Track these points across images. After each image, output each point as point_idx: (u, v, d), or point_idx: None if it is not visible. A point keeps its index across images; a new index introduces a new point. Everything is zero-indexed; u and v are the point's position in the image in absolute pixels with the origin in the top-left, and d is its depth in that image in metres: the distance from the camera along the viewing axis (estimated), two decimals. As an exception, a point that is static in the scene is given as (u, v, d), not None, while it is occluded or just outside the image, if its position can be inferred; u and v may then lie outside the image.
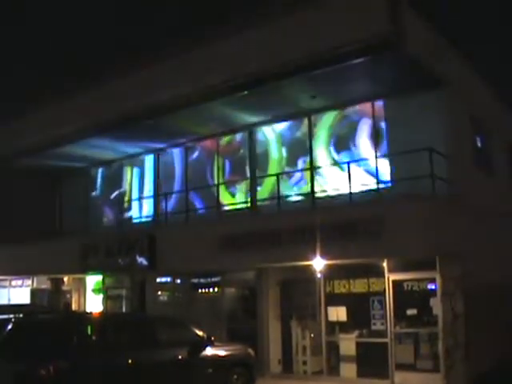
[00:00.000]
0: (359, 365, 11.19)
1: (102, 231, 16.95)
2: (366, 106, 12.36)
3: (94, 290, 16.90)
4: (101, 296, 16.45)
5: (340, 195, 12.01)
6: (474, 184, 11.88)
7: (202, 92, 11.90)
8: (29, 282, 18.21)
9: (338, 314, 11.57)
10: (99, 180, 18.30)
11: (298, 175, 13.35)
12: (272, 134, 13.97)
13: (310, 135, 13.23)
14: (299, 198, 13.08)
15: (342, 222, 10.40)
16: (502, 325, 12.14)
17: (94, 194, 18.32)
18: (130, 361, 8.29)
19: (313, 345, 11.88)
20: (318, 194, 12.63)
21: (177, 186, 15.86)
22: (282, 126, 13.77)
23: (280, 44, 10.72)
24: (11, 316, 10.47)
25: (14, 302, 17.72)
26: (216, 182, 14.80)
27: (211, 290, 13.84)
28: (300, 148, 13.42)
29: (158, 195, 16.12)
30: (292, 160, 13.58)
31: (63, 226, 18.35)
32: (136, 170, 17.17)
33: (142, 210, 16.78)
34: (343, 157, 12.70)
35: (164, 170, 16.26)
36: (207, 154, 15.27)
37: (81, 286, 17.14)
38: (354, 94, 11.96)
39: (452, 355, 10.14)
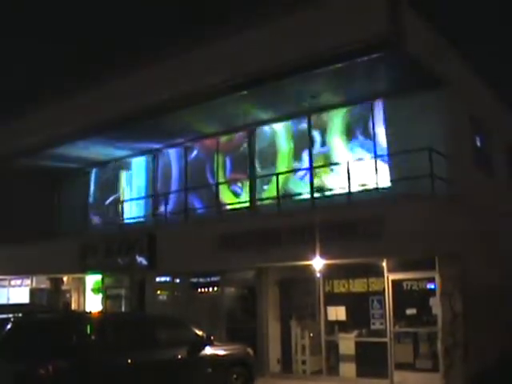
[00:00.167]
0: (358, 364, 11.20)
1: (102, 231, 16.94)
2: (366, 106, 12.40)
3: (93, 290, 16.89)
4: (100, 296, 16.44)
5: (339, 195, 12.01)
6: (473, 184, 11.89)
7: (202, 92, 11.89)
8: (28, 281, 18.20)
9: (338, 313, 11.58)
10: (98, 180, 18.29)
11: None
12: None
13: (310, 135, 13.24)
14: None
15: (342, 221, 10.41)
16: (501, 324, 12.15)
17: (93, 194, 18.32)
18: (129, 360, 8.28)
19: (312, 344, 11.89)
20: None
21: (177, 185, 15.85)
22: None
23: (280, 44, 10.73)
24: (10, 316, 10.47)
25: (13, 301, 17.71)
26: (217, 181, 14.80)
27: (211, 289, 13.85)
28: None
29: (157, 195, 16.12)
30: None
31: (62, 226, 18.33)
32: (135, 170, 17.17)
33: (141, 210, 16.78)
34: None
35: (163, 170, 16.26)
36: (207, 152, 15.26)
37: (80, 285, 17.14)
38: (353, 93, 11.96)
39: (451, 355, 10.15)
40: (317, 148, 13.17)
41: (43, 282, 17.88)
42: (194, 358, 9.17)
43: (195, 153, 15.54)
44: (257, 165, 14.13)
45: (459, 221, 10.66)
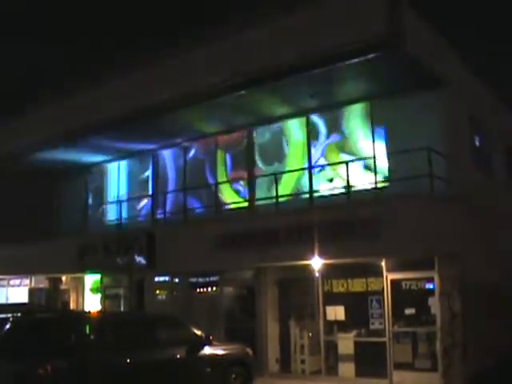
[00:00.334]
0: (357, 364, 11.20)
1: (101, 230, 16.93)
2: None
3: (92, 289, 16.88)
4: (99, 295, 16.43)
5: (338, 194, 12.01)
6: (472, 184, 11.90)
7: (202, 91, 11.89)
8: (27, 281, 18.21)
9: (337, 313, 11.58)
10: (97, 180, 18.28)
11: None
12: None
13: (309, 135, 13.24)
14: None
15: (341, 221, 10.42)
16: (500, 324, 12.16)
17: (91, 193, 18.31)
18: (128, 360, 8.28)
19: (311, 344, 11.89)
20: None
21: (176, 185, 15.85)
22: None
23: (279, 44, 10.74)
24: (9, 315, 10.46)
25: (12, 301, 17.70)
26: (217, 180, 14.79)
27: (209, 289, 13.84)
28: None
29: (157, 195, 16.12)
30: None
31: (61, 226, 18.32)
32: (135, 170, 17.16)
33: (140, 210, 16.77)
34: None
35: (163, 169, 16.26)
36: (206, 151, 15.24)
37: (79, 285, 17.13)
38: (353, 93, 11.97)
39: (450, 354, 10.16)
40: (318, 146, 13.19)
41: (42, 282, 17.88)
42: (192, 357, 9.17)
43: (194, 153, 15.53)
44: (260, 163, 14.08)
45: (458, 221, 10.68)
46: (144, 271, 14.15)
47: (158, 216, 15.74)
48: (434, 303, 10.36)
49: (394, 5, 9.75)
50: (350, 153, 12.55)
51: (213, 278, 13.71)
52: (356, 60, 10.12)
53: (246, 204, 13.92)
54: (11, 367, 7.59)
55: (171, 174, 16.07)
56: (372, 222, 10.00)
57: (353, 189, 11.47)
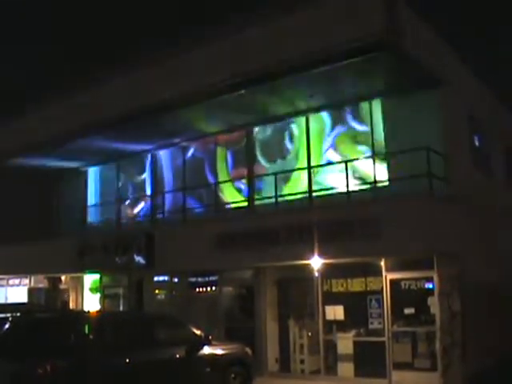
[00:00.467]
0: (357, 364, 11.19)
1: (100, 230, 16.93)
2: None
3: (91, 289, 16.88)
4: (98, 295, 16.43)
5: (338, 194, 12.00)
6: (471, 184, 11.91)
7: (203, 91, 11.89)
8: (26, 280, 18.20)
9: (336, 312, 11.57)
10: (96, 180, 18.29)
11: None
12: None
13: (308, 134, 13.24)
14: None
15: (340, 221, 10.43)
16: (500, 324, 12.17)
17: (91, 193, 18.31)
18: (127, 360, 8.28)
19: (310, 344, 11.89)
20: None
21: (175, 184, 15.85)
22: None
23: (279, 43, 10.73)
24: (8, 315, 10.46)
25: (11, 300, 17.70)
26: (217, 179, 14.77)
27: (209, 288, 13.83)
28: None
29: (156, 194, 16.12)
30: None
31: (61, 226, 18.31)
32: (133, 169, 17.15)
33: (140, 209, 16.77)
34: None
35: (162, 169, 16.26)
36: (206, 150, 15.22)
37: (78, 284, 17.12)
38: (352, 93, 11.97)
39: (449, 354, 10.18)
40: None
41: (41, 282, 17.87)
42: (192, 357, 9.17)
43: (194, 152, 15.53)
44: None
45: (458, 221, 10.69)
46: (143, 271, 14.16)
47: (157, 216, 15.74)
48: (433, 303, 10.35)
49: (394, 4, 9.75)
50: (350, 152, 12.57)
51: (212, 278, 13.70)
52: (355, 60, 10.12)
53: (246, 203, 13.89)
54: (10, 367, 7.58)
55: (171, 173, 16.06)
56: (371, 221, 10.01)
57: (352, 188, 11.45)
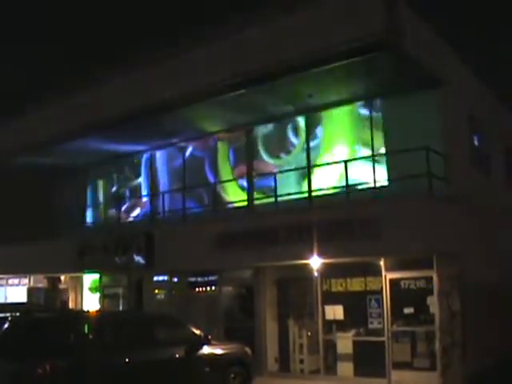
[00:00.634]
0: (356, 363, 11.19)
1: (100, 230, 16.93)
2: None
3: (90, 289, 16.88)
4: (97, 295, 16.43)
5: (337, 193, 12.01)
6: (471, 183, 11.92)
7: (203, 91, 11.89)
8: (25, 280, 18.20)
9: (335, 312, 11.56)
10: (96, 179, 18.30)
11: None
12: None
13: (308, 134, 13.24)
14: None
15: (340, 220, 10.43)
16: (499, 324, 12.17)
17: (90, 193, 18.32)
18: (127, 359, 8.27)
19: (310, 343, 11.88)
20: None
21: (175, 184, 15.85)
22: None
23: (279, 43, 10.74)
24: (8, 315, 10.46)
25: (10, 300, 17.70)
26: (218, 178, 14.75)
27: (208, 288, 13.83)
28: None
29: (155, 194, 16.12)
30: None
31: (60, 225, 18.32)
32: (133, 169, 17.16)
33: (139, 209, 16.78)
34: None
35: (161, 169, 16.26)
36: (207, 149, 15.17)
37: (77, 284, 17.13)
38: (351, 92, 11.97)
39: (449, 354, 10.18)
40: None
41: (41, 281, 17.87)
42: (191, 357, 9.17)
43: (194, 151, 15.53)
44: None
45: (457, 220, 10.69)
46: (143, 271, 14.16)
47: (157, 216, 15.75)
48: (432, 302, 10.34)
49: (394, 4, 9.76)
50: (349, 151, 12.57)
51: (211, 278, 13.70)
52: (355, 60, 10.13)
53: (249, 202, 13.85)
54: (10, 367, 7.58)
55: (170, 173, 16.07)
56: (371, 221, 10.01)
57: (352, 188, 11.45)
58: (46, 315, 10.16)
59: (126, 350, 8.41)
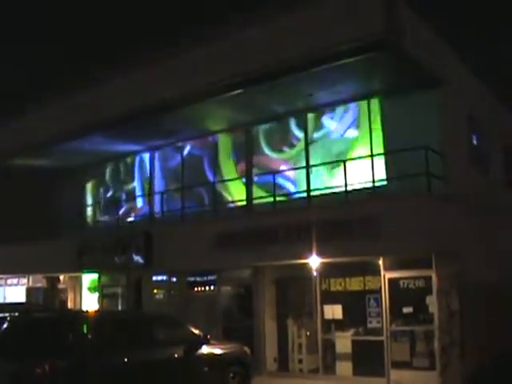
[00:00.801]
0: (355, 363, 11.18)
1: (98, 230, 16.94)
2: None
3: (89, 289, 16.88)
4: (96, 294, 16.44)
5: (336, 193, 12.01)
6: (470, 183, 11.92)
7: (203, 91, 11.90)
8: (24, 280, 18.20)
9: (334, 312, 11.56)
10: (95, 179, 18.30)
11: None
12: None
13: (307, 133, 13.24)
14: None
15: (339, 220, 10.43)
16: (499, 323, 12.17)
17: (89, 192, 18.33)
18: (126, 359, 8.26)
19: (309, 343, 11.88)
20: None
21: (175, 183, 15.85)
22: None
23: (279, 43, 10.76)
24: (7, 315, 10.46)
25: (9, 300, 17.70)
26: (217, 177, 14.72)
27: (207, 288, 13.84)
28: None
29: (154, 193, 16.12)
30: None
31: (59, 225, 18.33)
32: (131, 169, 17.16)
33: (138, 210, 16.78)
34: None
35: (160, 168, 16.26)
36: (207, 147, 15.13)
37: (76, 284, 17.13)
38: (351, 92, 11.98)
39: (448, 353, 10.17)
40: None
41: (39, 281, 17.86)
42: (190, 356, 9.15)
43: (193, 150, 15.52)
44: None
45: (456, 220, 10.69)
46: (142, 270, 14.16)
47: (156, 215, 15.75)
48: (431, 302, 10.34)
49: (393, 4, 9.77)
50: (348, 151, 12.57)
51: (210, 277, 13.70)
52: (355, 59, 10.14)
53: (248, 202, 13.84)
54: (9, 367, 7.57)
55: (169, 172, 16.06)
56: (370, 220, 10.01)
57: (351, 188, 11.45)
58: (44, 315, 10.15)
59: (125, 349, 8.39)
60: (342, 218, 10.41)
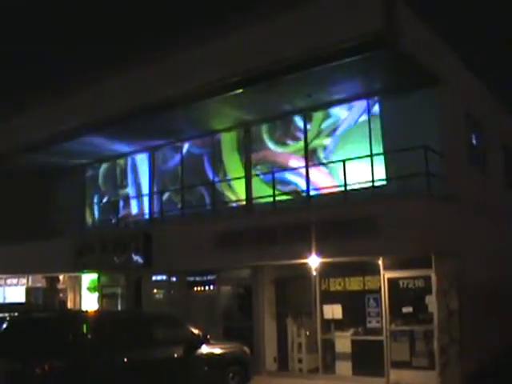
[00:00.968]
0: (355, 363, 11.19)
1: (98, 229, 16.93)
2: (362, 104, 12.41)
3: (89, 289, 16.87)
4: (96, 294, 16.43)
5: (335, 193, 12.01)
6: (469, 182, 11.93)
7: (203, 90, 11.90)
8: (24, 280, 18.18)
9: (334, 311, 11.57)
10: (94, 179, 18.29)
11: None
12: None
13: (305, 133, 13.24)
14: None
15: (338, 220, 10.43)
16: (498, 323, 12.18)
17: (88, 192, 18.32)
18: (125, 359, 8.27)
19: (308, 343, 11.89)
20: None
21: (174, 183, 15.85)
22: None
23: (278, 42, 10.75)
24: (6, 315, 10.47)
25: (9, 300, 17.68)
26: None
27: (207, 288, 13.84)
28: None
29: (154, 193, 16.12)
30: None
31: (59, 225, 18.32)
32: (131, 169, 17.15)
33: (137, 209, 16.77)
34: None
35: (159, 168, 16.26)
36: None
37: (76, 284, 17.12)
38: (350, 91, 11.97)
39: (447, 352, 10.18)
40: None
41: (39, 281, 17.85)
42: (190, 356, 9.16)
43: (192, 149, 15.51)
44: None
45: (454, 219, 10.70)
46: (141, 270, 14.15)
47: (156, 215, 15.75)
48: (431, 301, 10.35)
49: (392, 4, 9.77)
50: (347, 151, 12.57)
51: (210, 277, 13.71)
52: (354, 59, 10.14)
53: (248, 201, 13.82)
54: (8, 367, 7.58)
55: (169, 171, 16.05)
56: (370, 220, 10.00)
57: (350, 187, 11.45)
58: (44, 315, 10.17)
59: (124, 349, 8.40)
60: (341, 218, 10.40)
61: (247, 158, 14.14)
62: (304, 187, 12.91)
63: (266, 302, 12.53)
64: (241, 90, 11.78)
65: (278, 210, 12.13)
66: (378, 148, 11.99)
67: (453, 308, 10.50)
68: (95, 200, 18.14)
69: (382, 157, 11.79)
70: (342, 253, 10.46)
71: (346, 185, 11.32)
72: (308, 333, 11.94)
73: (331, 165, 12.55)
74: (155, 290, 15.20)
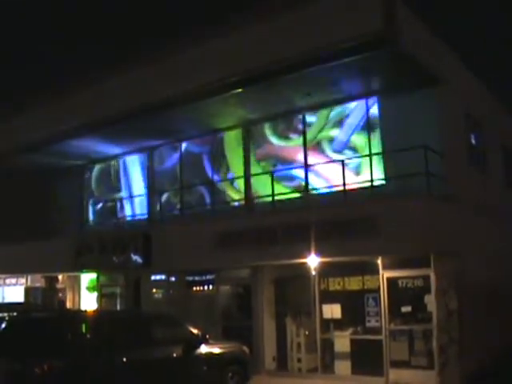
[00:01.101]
0: (354, 362, 11.19)
1: (97, 229, 16.92)
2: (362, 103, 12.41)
3: (88, 288, 16.86)
4: (95, 294, 16.42)
5: (335, 192, 12.01)
6: (468, 182, 11.93)
7: (202, 90, 11.90)
8: (23, 280, 18.17)
9: (333, 311, 11.57)
10: (93, 179, 18.29)
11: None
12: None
13: (305, 133, 13.24)
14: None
15: (337, 219, 10.43)
16: (497, 323, 12.18)
17: (88, 192, 18.32)
18: (124, 359, 8.26)
19: (307, 342, 11.88)
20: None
21: (174, 182, 15.84)
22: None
23: (277, 42, 10.75)
24: (5, 314, 10.46)
25: (8, 300, 17.68)
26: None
27: (206, 287, 13.84)
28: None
29: (153, 193, 16.11)
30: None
31: (58, 225, 18.31)
32: (130, 169, 17.15)
33: (135, 209, 16.77)
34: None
35: (160, 168, 16.26)
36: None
37: (75, 284, 17.11)
38: (349, 91, 11.98)
39: (446, 352, 10.18)
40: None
41: (38, 281, 17.84)
42: (189, 356, 9.16)
43: (191, 148, 15.50)
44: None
45: (454, 219, 10.70)
46: (140, 270, 14.15)
47: (155, 215, 15.74)
48: (430, 301, 10.36)
49: (392, 3, 9.77)
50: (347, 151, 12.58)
51: (209, 277, 13.70)
52: (354, 58, 10.14)
53: (247, 201, 13.81)
54: (8, 367, 7.57)
55: (169, 171, 16.04)
56: (370, 220, 10.00)
57: (350, 187, 11.45)
58: (43, 315, 10.15)
59: (123, 349, 8.39)
60: (341, 218, 10.41)
61: (247, 157, 14.14)
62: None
63: (266, 302, 12.53)
64: (241, 90, 11.78)
65: (278, 210, 12.12)
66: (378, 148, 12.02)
67: (452, 308, 10.50)
68: (94, 200, 18.14)
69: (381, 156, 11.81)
70: (342, 253, 10.46)
71: (345, 184, 11.31)
72: (307, 332, 11.94)
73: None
74: (154, 290, 15.20)
